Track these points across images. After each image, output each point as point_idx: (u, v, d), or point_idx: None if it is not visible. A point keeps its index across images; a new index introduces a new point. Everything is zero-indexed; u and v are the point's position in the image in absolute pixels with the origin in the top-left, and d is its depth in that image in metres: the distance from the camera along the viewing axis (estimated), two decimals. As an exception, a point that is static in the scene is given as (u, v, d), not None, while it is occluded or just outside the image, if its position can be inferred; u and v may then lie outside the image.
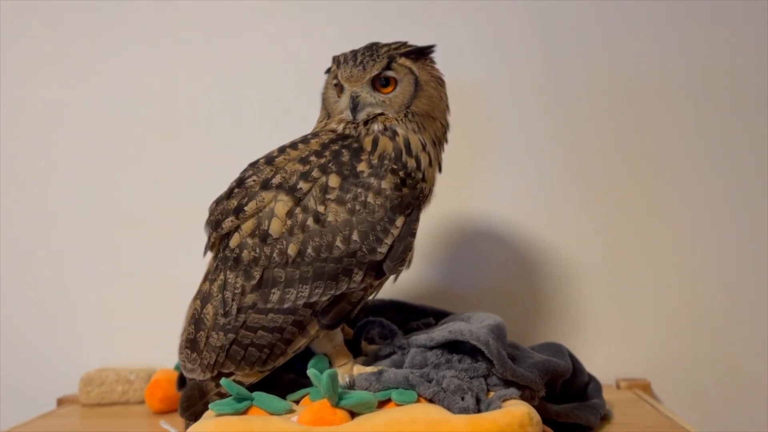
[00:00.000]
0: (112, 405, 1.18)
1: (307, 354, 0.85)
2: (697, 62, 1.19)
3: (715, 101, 1.19)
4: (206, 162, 1.21)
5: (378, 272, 0.80)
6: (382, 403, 0.77)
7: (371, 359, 0.88)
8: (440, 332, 0.83)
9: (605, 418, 0.95)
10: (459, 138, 1.15)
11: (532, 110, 1.20)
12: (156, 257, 1.23)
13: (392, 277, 0.85)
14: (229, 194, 0.84)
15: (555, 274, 1.20)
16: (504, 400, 0.76)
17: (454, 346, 0.83)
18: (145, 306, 1.23)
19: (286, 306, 0.79)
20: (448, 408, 0.74)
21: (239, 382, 0.82)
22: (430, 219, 1.12)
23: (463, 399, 0.75)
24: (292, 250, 0.79)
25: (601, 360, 1.16)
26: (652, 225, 1.19)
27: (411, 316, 1.03)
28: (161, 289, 1.23)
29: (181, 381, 0.89)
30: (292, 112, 1.19)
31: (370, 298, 0.89)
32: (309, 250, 0.79)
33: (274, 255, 0.79)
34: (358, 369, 0.84)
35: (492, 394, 0.78)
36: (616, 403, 1.05)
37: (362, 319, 0.95)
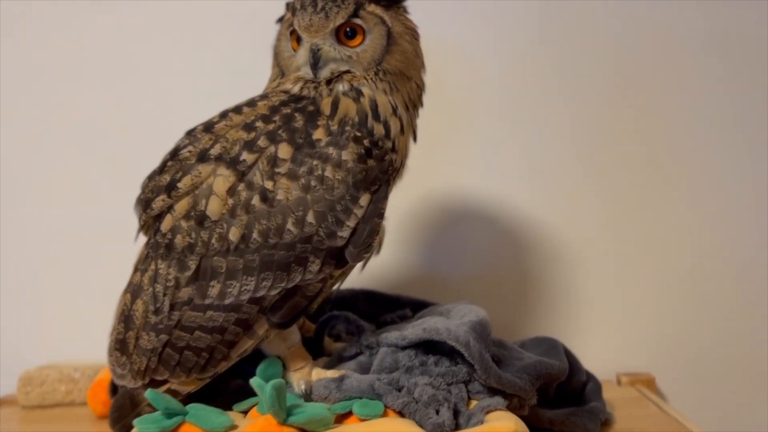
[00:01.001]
0: (55, 407, 1.05)
1: (258, 355, 0.73)
2: (707, 22, 1.06)
3: (726, 63, 1.06)
4: (154, 134, 1.07)
5: (339, 260, 0.67)
6: (343, 417, 0.65)
7: (334, 361, 0.75)
8: (413, 330, 0.71)
9: (606, 423, 0.83)
10: (440, 106, 1.02)
11: (524, 75, 1.07)
12: (103, 242, 1.09)
13: (359, 264, 0.73)
14: (161, 168, 0.71)
15: (548, 259, 1.09)
16: (487, 412, 0.64)
17: (431, 346, 0.71)
18: (92, 296, 1.10)
19: (227, 302, 0.67)
20: (420, 423, 0.62)
21: (174, 392, 0.69)
22: (406, 197, 1.00)
23: (438, 412, 0.63)
24: (234, 235, 0.66)
25: (599, 353, 1.05)
26: (656, 203, 1.09)
27: (385, 308, 0.91)
28: (110, 277, 1.09)
29: (114, 387, 0.77)
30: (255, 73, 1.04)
31: (334, 289, 0.77)
32: (254, 235, 0.66)
33: (213, 241, 0.67)
34: (318, 373, 0.72)
35: (474, 403, 0.66)
36: (617, 402, 0.93)
37: (327, 312, 0.83)
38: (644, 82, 1.08)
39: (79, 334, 1.11)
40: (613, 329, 1.09)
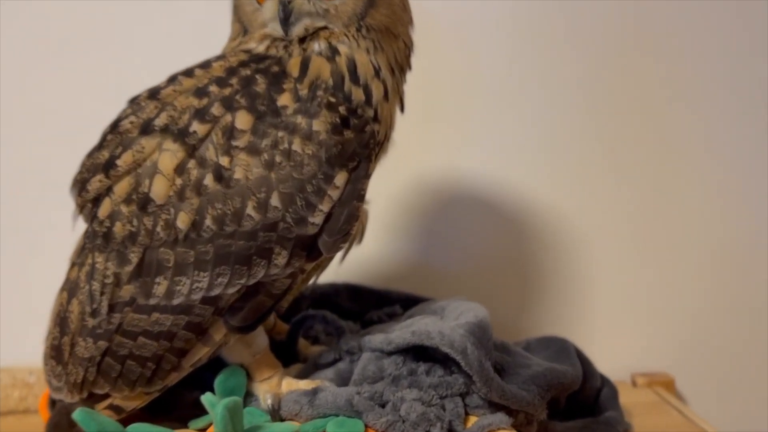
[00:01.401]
0: (8, 414, 0.95)
1: (219, 363, 0.62)
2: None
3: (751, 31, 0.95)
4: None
5: (311, 252, 0.57)
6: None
7: (309, 368, 0.65)
8: (401, 333, 0.60)
9: (624, 435, 0.73)
10: (432, 73, 0.90)
11: (530, 41, 0.96)
12: (59, 234, 0.98)
13: (338, 255, 0.62)
14: (101, 143, 0.60)
15: (555, 250, 0.99)
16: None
17: (421, 351, 0.60)
18: (49, 293, 0.98)
19: (176, 302, 0.56)
20: (408, 449, 0.51)
21: (117, 408, 0.59)
22: (394, 180, 0.92)
23: (429, 434, 0.52)
24: (183, 222, 0.55)
25: (612, 352, 0.95)
26: (675, 188, 0.99)
27: (371, 305, 0.80)
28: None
29: (53, 401, 0.66)
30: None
31: (310, 284, 0.66)
32: (208, 222, 0.55)
33: (158, 229, 0.56)
34: (288, 384, 0.61)
35: (472, 420, 0.56)
36: (634, 408, 0.84)
37: (304, 310, 0.72)
38: (660, 53, 0.97)
39: (34, 334, 0.99)
40: (627, 326, 0.99)
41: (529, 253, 0.99)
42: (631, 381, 0.96)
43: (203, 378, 0.63)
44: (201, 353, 0.58)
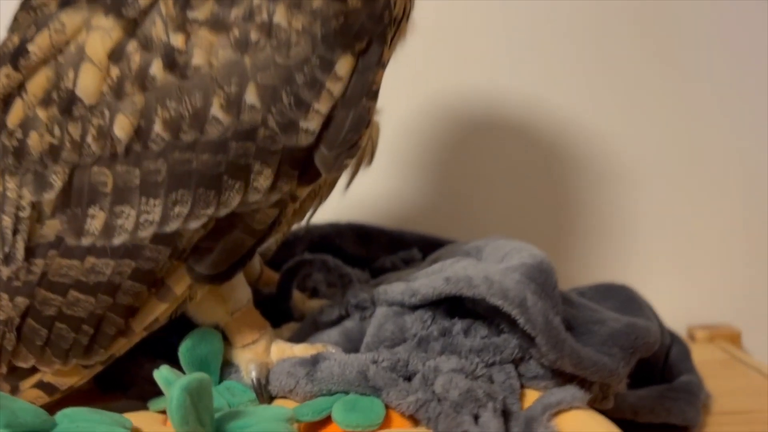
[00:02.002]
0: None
1: (188, 324, 0.47)
2: None
3: None
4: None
5: (305, 171, 0.41)
6: (315, 427, 0.39)
7: (307, 329, 0.50)
8: (429, 280, 0.45)
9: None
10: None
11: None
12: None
13: (341, 181, 0.47)
14: (10, 26, 0.44)
15: (595, 179, 0.85)
16: (557, 413, 0.38)
17: (455, 305, 0.45)
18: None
19: (118, 241, 0.40)
20: (448, 439, 0.36)
21: (49, 386, 0.44)
22: (406, 103, 0.77)
23: (477, 419, 0.37)
24: (122, 130, 0.39)
25: (666, 300, 0.80)
26: (740, 114, 0.83)
27: (382, 249, 0.65)
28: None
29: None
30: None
31: (304, 223, 0.51)
32: (157, 128, 0.39)
33: (89, 140, 0.40)
34: (280, 350, 0.46)
35: (531, 397, 0.41)
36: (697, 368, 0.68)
37: (297, 255, 0.56)
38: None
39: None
40: (682, 271, 0.86)
41: (566, 187, 0.85)
42: (688, 335, 0.82)
43: (171, 343, 0.47)
44: (157, 312, 0.42)
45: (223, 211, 0.40)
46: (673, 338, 0.62)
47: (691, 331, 0.82)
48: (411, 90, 0.79)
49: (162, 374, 0.37)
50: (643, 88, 0.83)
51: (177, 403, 0.33)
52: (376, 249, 0.65)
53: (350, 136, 0.41)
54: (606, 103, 0.83)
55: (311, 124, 0.40)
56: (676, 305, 0.83)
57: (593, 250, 0.85)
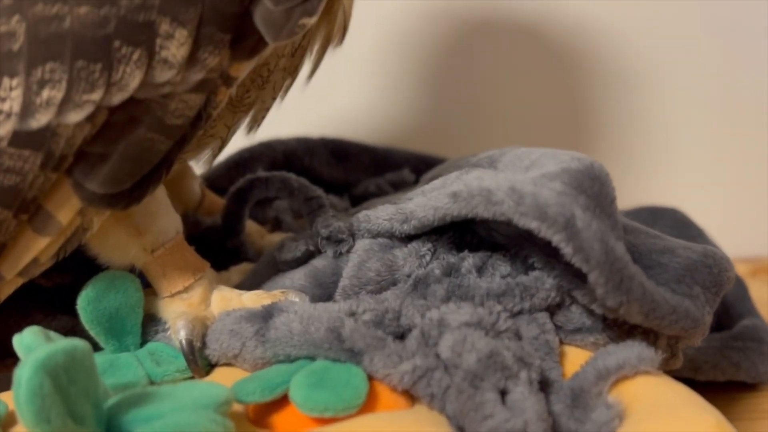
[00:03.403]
0: None
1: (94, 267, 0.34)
2: None
3: None
4: None
5: (240, 35, 0.28)
6: (269, 409, 0.27)
7: (262, 271, 0.37)
8: (427, 199, 0.33)
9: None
10: None
11: None
12: None
13: (303, 72, 0.36)
14: None
15: (620, 87, 0.72)
16: (622, 380, 0.26)
17: (464, 232, 0.33)
18: None
19: None
20: (464, 426, 0.24)
21: None
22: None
23: (504, 396, 0.25)
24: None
25: (710, 221, 0.72)
26: None
27: (365, 171, 0.53)
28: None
29: None
30: None
31: (248, 129, 0.38)
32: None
33: None
34: (223, 301, 0.34)
35: (573, 356, 0.29)
36: None
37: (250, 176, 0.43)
38: None
39: None
40: (718, 195, 0.75)
41: (584, 96, 0.73)
42: (728, 269, 0.72)
43: (76, 293, 0.35)
44: (34, 249, 0.30)
45: (118, 97, 0.27)
46: (728, 273, 0.50)
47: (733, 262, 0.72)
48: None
49: (23, 341, 0.24)
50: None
51: (28, 390, 0.20)
52: (356, 171, 0.52)
53: (306, -19, 0.27)
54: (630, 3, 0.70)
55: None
56: (715, 234, 0.73)
57: (614, 170, 0.73)
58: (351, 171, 0.52)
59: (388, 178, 0.51)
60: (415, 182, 0.50)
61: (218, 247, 0.39)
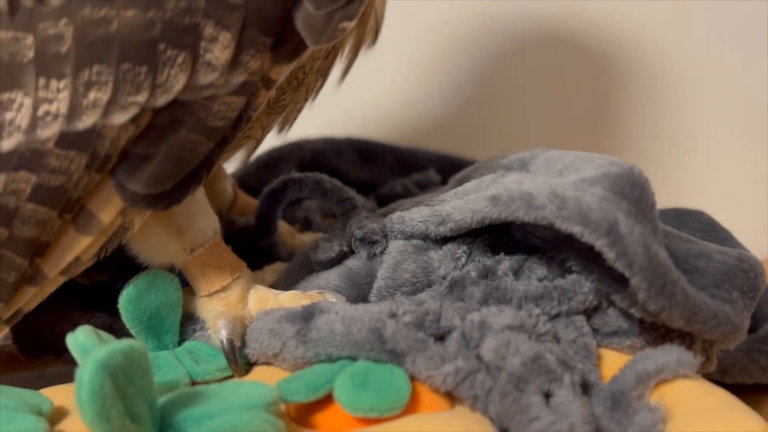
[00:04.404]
0: None
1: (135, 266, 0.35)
2: None
3: None
4: None
5: (282, 38, 0.28)
6: (311, 409, 0.28)
7: (297, 270, 0.38)
8: (464, 202, 0.33)
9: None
10: None
11: None
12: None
13: (335, 72, 0.36)
14: None
15: (651, 95, 0.71)
16: (661, 383, 0.26)
17: (496, 236, 0.33)
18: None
19: (7, 145, 0.28)
20: (511, 430, 0.25)
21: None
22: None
23: (549, 397, 0.25)
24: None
25: (733, 227, 0.71)
26: None
27: (390, 171, 0.53)
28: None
29: None
30: None
31: (280, 131, 0.38)
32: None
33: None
34: (260, 300, 0.34)
35: (610, 359, 0.29)
36: None
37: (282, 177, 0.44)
38: None
39: None
40: (742, 195, 0.73)
41: (608, 97, 0.72)
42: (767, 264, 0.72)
43: (117, 291, 0.35)
44: (77, 248, 0.30)
45: (162, 99, 0.27)
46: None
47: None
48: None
49: (77, 340, 0.24)
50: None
51: (90, 390, 0.21)
52: (382, 171, 0.52)
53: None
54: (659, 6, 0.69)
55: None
56: (748, 231, 0.73)
57: (647, 171, 0.73)
58: (377, 171, 0.53)
59: (414, 179, 0.52)
60: (441, 183, 0.50)
61: (251, 247, 0.39)
